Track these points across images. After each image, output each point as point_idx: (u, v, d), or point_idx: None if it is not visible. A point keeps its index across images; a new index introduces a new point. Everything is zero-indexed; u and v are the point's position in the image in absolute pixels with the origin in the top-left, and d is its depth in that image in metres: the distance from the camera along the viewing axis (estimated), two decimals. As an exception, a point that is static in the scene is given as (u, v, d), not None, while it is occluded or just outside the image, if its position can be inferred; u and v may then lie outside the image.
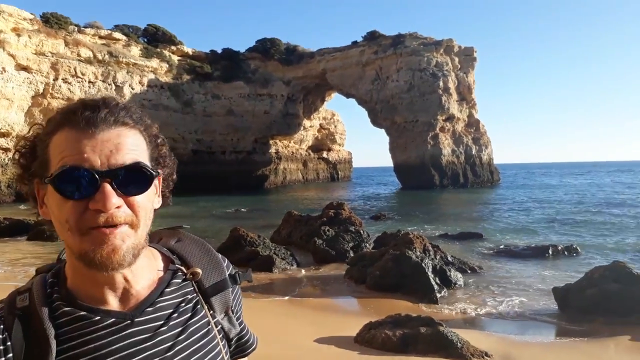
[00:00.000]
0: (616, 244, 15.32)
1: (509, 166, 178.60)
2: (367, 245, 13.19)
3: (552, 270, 11.50)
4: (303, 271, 11.37)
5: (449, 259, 11.09)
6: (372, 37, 49.88)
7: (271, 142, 55.68)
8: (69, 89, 38.35)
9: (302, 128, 58.63)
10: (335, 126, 69.57)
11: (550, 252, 13.62)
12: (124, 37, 44.30)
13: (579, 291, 8.06)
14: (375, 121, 49.75)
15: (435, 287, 8.93)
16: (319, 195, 41.33)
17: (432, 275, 9.27)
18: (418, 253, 9.91)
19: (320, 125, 66.57)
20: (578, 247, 14.11)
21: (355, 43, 50.75)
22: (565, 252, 13.65)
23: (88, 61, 39.73)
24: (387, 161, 52.50)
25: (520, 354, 6.18)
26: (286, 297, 8.79)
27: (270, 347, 5.66)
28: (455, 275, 9.89)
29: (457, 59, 48.00)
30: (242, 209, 29.12)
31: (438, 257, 10.80)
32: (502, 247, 14.84)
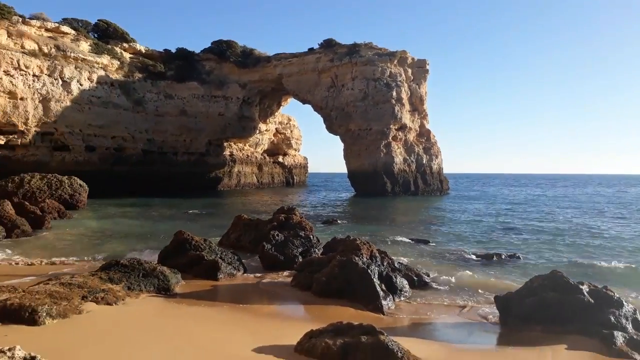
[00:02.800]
0: (555, 253, 15.86)
1: (459, 176, 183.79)
2: (317, 250, 13.05)
3: (496, 278, 11.74)
4: (250, 277, 11.10)
5: (396, 265, 11.10)
6: (329, 44, 50.12)
7: (225, 144, 54.89)
8: (11, 81, 36.34)
9: (257, 131, 58.12)
10: (291, 131, 69.40)
11: (495, 259, 13.97)
12: (73, 32, 42.46)
13: (520, 300, 8.21)
14: (331, 128, 49.92)
15: (381, 293, 8.89)
16: (273, 200, 40.98)
17: (378, 282, 9.23)
18: (365, 259, 9.86)
19: (276, 129, 66.22)
20: (520, 255, 14.53)
21: (311, 50, 50.82)
22: (509, 260, 14.03)
23: (33, 54, 37.80)
24: (341, 167, 52.86)
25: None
26: (228, 304, 8.50)
27: (200, 357, 5.41)
28: (402, 282, 9.90)
29: (410, 71, 48.94)
30: (192, 211, 28.41)
31: (385, 263, 10.79)
32: (448, 253, 15.07)
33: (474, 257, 14.48)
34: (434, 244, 17.00)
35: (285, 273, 11.33)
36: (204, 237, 12.33)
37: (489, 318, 8.50)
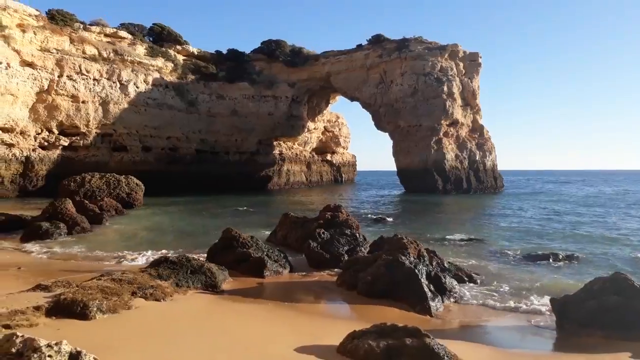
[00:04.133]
0: (618, 255, 14.90)
1: (512, 172, 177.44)
2: (363, 249, 12.87)
3: (552, 280, 11.15)
4: (295, 275, 11.08)
5: (446, 265, 10.77)
6: (377, 40, 49.60)
7: (275, 143, 55.54)
8: (73, 85, 38.35)
9: (306, 130, 58.45)
10: (339, 129, 69.34)
11: (551, 260, 13.29)
12: (130, 36, 44.24)
13: (578, 303, 7.73)
14: (379, 125, 49.45)
15: (429, 294, 8.62)
16: (321, 198, 41.06)
17: (426, 282, 8.96)
18: (412, 259, 9.60)
19: (324, 127, 66.37)
20: (579, 256, 13.75)
21: (360, 46, 50.50)
22: (566, 261, 13.30)
23: (93, 59, 39.71)
24: (391, 165, 52.23)
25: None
26: (273, 302, 8.50)
27: (243, 355, 5.39)
28: (451, 283, 9.57)
29: (461, 64, 47.63)
30: (242, 209, 28.91)
31: (434, 263, 10.49)
32: (502, 254, 14.48)
33: (529, 257, 13.83)
34: (487, 244, 16.41)
35: (331, 272, 11.23)
36: (251, 235, 12.44)
37: (544, 322, 8.05)
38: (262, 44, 54.44)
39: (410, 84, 45.66)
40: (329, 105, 62.68)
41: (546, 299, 8.72)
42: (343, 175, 70.82)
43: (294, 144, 60.30)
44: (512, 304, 9.07)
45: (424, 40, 48.25)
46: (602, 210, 31.19)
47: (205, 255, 11.94)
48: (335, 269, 11.27)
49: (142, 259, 12.68)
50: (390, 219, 24.27)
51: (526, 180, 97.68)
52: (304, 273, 11.26)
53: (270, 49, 53.28)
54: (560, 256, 13.61)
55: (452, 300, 9.18)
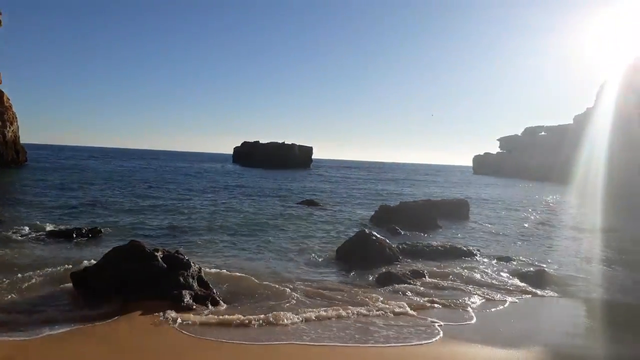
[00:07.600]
0: (140, 225, 16.32)
1: (41, 147, 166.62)
2: None
3: (76, 255, 11.09)
4: None
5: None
6: None
7: None
8: None
9: None
10: None
11: (75, 235, 13.26)
12: None
13: (99, 273, 8.01)
14: None
15: None
16: None
17: None
18: None
19: None
20: (102, 229, 14.26)
21: None
22: (90, 235, 13.58)
23: None
24: None
25: (23, 353, 5.49)
26: None
27: None
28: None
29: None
30: None
31: None
32: (21, 234, 13.36)
33: (46, 235, 13.33)
34: (5, 223, 14.79)
35: None
36: None
37: (57, 297, 7.88)
38: None
39: None
40: None
41: (67, 273, 8.59)
42: None
43: None
44: (28, 284, 8.47)
45: None
46: (122, 183, 33.39)
47: None
48: None
49: None
50: None
51: (54, 154, 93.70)
52: None
53: None
54: (84, 230, 13.77)
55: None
